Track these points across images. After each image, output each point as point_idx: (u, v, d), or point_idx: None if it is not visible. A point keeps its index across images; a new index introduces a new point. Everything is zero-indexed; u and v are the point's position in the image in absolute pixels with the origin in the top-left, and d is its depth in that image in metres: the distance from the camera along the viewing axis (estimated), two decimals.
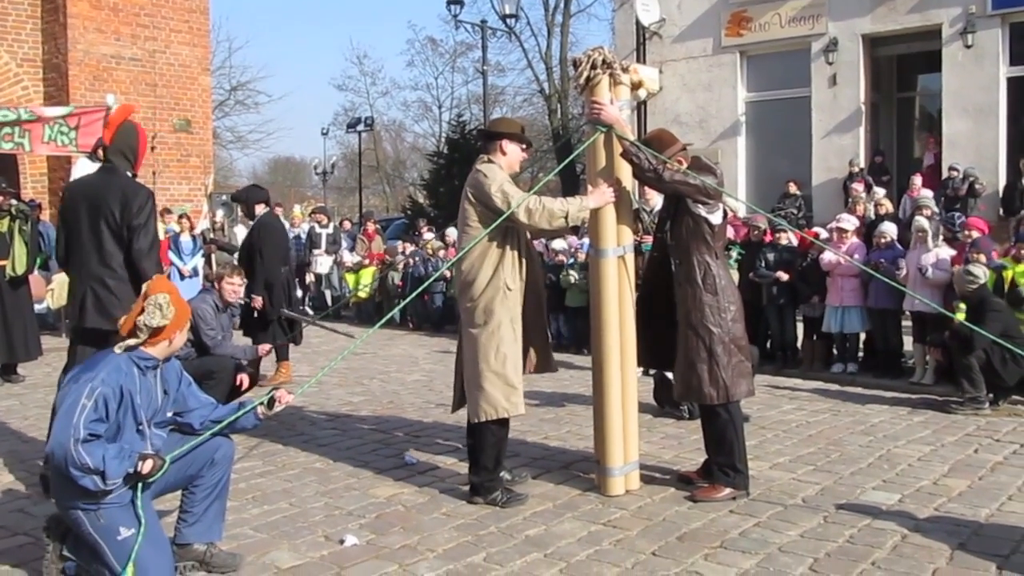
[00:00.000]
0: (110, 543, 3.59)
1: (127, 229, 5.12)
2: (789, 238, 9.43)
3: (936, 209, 9.58)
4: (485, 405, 4.86)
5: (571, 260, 10.96)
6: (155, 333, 3.74)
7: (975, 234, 8.30)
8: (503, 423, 4.98)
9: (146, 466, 3.59)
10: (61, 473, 3.55)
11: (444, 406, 7.10)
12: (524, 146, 5.18)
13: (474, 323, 4.91)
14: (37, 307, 11.84)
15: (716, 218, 5.04)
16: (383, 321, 5.52)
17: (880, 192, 13.02)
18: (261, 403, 4.07)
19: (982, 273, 7.42)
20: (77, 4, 15.39)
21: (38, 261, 12.35)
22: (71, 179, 12.10)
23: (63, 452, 3.47)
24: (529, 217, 4.80)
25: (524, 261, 5.02)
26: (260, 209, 8.48)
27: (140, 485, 3.66)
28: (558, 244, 11.24)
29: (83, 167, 12.15)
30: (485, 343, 4.88)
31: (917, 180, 13.40)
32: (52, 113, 13.25)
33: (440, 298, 13.33)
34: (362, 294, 14.77)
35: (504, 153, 5.03)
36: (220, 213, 16.79)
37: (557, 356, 10.32)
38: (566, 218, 4.84)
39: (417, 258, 13.81)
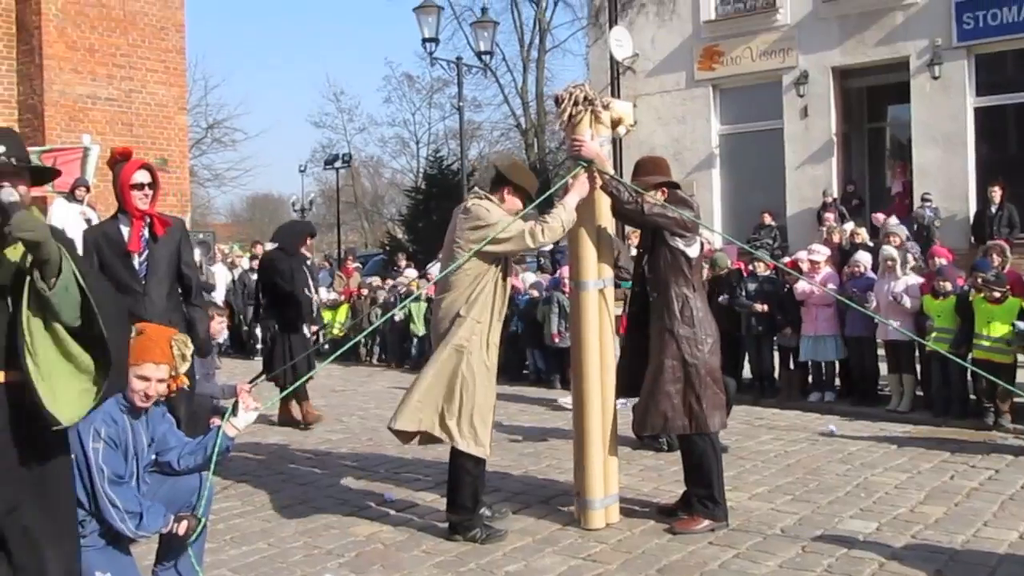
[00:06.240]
0: None
1: None
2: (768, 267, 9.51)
3: (904, 237, 9.68)
4: (471, 442, 4.84)
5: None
6: None
7: (941, 261, 8.40)
8: (478, 461, 4.95)
9: (182, 527, 3.64)
10: None
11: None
12: (523, 202, 5.12)
13: (457, 352, 4.86)
14: None
15: (693, 251, 5.10)
16: (347, 346, 5.93)
17: (849, 225, 12.97)
18: (228, 419, 3.88)
19: None
20: (53, 45, 15.40)
21: None
22: (51, 220, 12.03)
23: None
24: (535, 241, 4.85)
25: (506, 296, 5.07)
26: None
27: (189, 548, 3.74)
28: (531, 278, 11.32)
29: (60, 207, 12.08)
30: (468, 376, 4.84)
31: (880, 216, 13.31)
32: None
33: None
34: (336, 331, 14.70)
35: (504, 200, 5.03)
36: (197, 252, 16.66)
37: (535, 390, 10.47)
38: (563, 227, 4.90)
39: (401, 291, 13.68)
